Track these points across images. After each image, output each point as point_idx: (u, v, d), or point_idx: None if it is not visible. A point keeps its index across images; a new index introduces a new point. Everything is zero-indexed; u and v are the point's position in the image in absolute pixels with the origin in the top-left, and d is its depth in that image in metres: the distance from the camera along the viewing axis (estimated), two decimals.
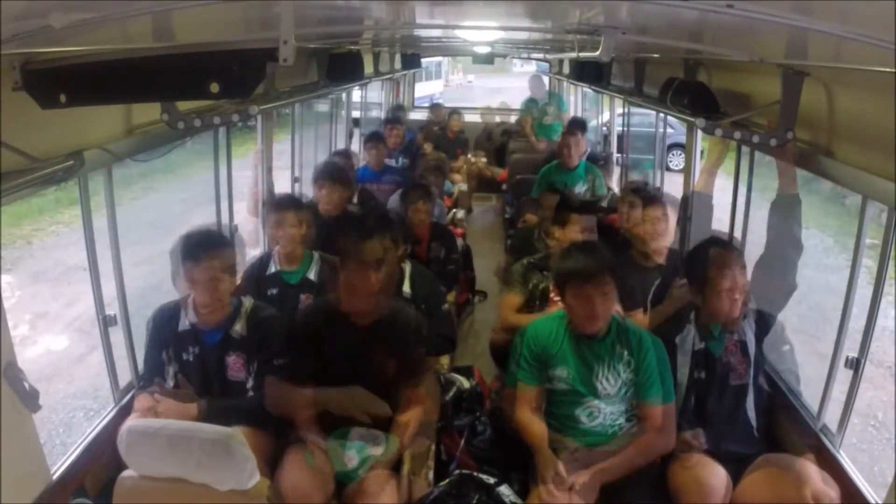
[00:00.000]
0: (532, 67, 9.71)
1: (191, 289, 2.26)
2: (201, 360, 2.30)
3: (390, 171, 5.24)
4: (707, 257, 2.27)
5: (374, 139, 5.34)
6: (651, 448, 2.21)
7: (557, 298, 2.69)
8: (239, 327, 2.32)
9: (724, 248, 2.31)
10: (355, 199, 4.32)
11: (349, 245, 2.21)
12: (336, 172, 3.94)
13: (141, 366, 2.58)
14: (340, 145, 6.05)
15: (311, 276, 2.98)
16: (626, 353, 2.25)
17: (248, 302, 2.39)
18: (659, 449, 2.21)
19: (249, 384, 2.31)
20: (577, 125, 5.64)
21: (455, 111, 8.04)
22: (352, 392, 2.17)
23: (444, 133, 7.56)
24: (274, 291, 2.99)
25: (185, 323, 2.31)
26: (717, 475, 2.09)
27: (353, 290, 2.20)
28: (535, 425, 2.27)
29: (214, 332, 2.31)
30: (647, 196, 3.26)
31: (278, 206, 3.05)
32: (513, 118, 8.16)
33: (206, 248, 2.25)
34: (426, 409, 2.33)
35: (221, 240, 2.40)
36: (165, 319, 2.34)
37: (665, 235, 3.02)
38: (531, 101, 7.61)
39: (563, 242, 2.86)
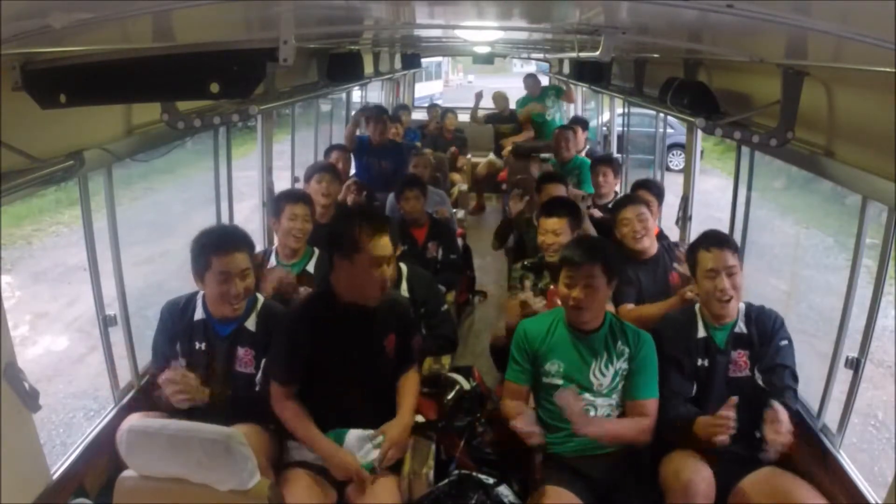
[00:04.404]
0: (532, 68, 9.69)
1: (220, 282, 2.22)
2: (211, 351, 2.30)
3: (393, 151, 5.15)
4: (698, 245, 2.35)
5: (377, 113, 5.26)
6: (638, 428, 2.23)
7: (556, 300, 2.71)
8: (251, 322, 2.33)
9: (716, 237, 2.35)
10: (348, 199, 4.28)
11: (362, 238, 2.10)
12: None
13: (141, 365, 2.59)
14: None
15: (310, 269, 3.00)
16: (620, 344, 2.28)
17: (260, 298, 2.40)
18: (643, 433, 2.23)
19: (258, 378, 2.31)
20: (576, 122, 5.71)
21: (449, 110, 7.92)
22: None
23: (441, 133, 7.53)
24: (274, 285, 2.99)
25: (199, 313, 2.32)
26: (699, 474, 2.10)
27: (363, 285, 2.14)
28: (509, 405, 2.30)
29: (227, 324, 2.31)
30: (623, 198, 3.34)
31: (294, 199, 3.05)
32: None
33: (235, 241, 2.28)
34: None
35: (246, 235, 2.40)
36: (179, 310, 2.34)
37: (646, 236, 3.04)
38: (527, 100, 7.59)
39: (544, 235, 2.97)
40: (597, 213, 4.10)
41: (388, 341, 2.25)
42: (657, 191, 3.68)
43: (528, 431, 2.12)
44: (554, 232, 2.95)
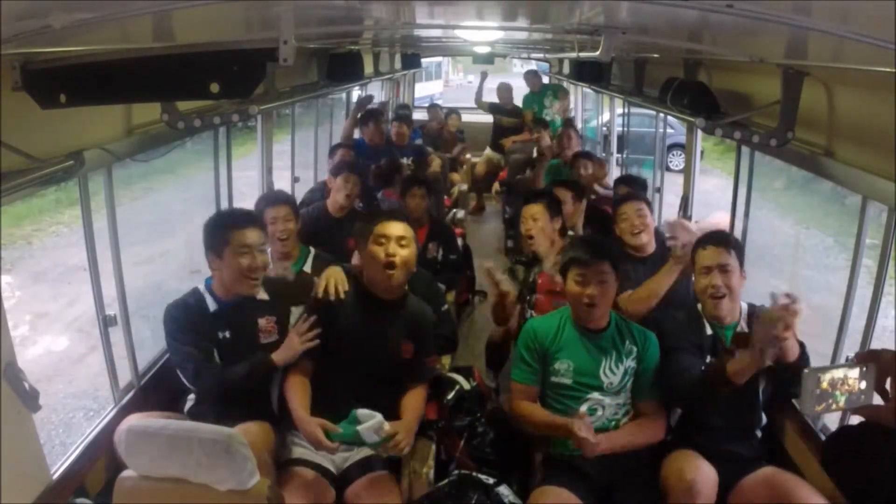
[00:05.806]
0: (532, 67, 9.70)
1: (241, 255, 2.24)
2: (235, 335, 2.30)
3: (388, 153, 5.15)
4: (698, 244, 2.38)
5: (374, 114, 5.26)
6: (650, 427, 2.27)
7: (552, 290, 2.73)
8: (259, 292, 2.36)
9: (714, 236, 2.37)
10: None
11: (377, 219, 2.33)
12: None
13: (141, 365, 2.59)
14: None
15: (307, 269, 2.99)
16: (629, 343, 2.30)
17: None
18: (656, 432, 2.27)
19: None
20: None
21: (454, 111, 7.98)
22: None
23: (442, 134, 7.52)
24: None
25: (212, 304, 2.31)
26: (703, 472, 2.09)
27: (372, 261, 2.26)
28: (537, 410, 2.29)
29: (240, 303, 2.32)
30: (622, 195, 3.38)
31: (271, 201, 3.06)
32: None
33: (250, 216, 2.38)
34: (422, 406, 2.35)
35: (257, 214, 2.49)
36: (188, 308, 2.29)
37: (645, 231, 3.04)
38: (532, 96, 7.61)
39: (524, 221, 3.02)
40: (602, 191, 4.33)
41: (405, 346, 2.29)
42: (640, 186, 3.71)
43: (591, 443, 2.05)
44: (532, 217, 2.99)
